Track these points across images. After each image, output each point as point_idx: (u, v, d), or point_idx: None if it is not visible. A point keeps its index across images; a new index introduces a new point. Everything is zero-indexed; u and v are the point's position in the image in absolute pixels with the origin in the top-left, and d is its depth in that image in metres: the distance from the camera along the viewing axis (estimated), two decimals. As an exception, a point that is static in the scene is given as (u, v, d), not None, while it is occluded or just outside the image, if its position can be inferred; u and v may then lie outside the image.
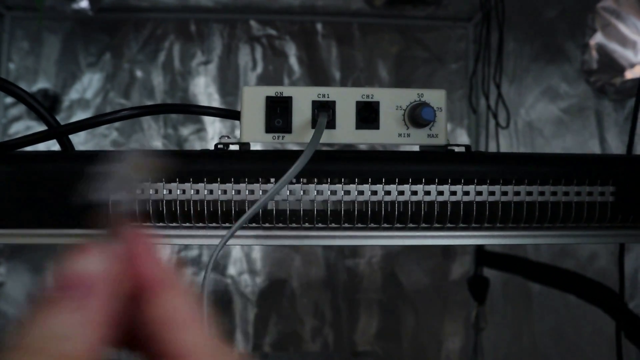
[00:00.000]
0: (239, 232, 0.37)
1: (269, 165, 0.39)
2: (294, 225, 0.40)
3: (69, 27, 1.51)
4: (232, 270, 1.47)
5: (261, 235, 0.40)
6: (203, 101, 1.53)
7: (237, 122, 1.58)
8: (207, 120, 1.51)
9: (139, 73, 1.51)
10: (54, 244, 1.36)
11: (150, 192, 0.40)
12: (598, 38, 1.06)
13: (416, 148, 0.46)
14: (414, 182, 0.41)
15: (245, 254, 1.46)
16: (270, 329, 1.45)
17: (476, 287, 1.22)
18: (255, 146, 0.46)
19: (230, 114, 0.44)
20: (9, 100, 1.47)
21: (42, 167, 0.38)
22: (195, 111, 0.45)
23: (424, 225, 0.42)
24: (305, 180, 0.40)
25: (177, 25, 1.53)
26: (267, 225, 0.41)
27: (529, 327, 1.24)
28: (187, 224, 0.41)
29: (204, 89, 1.54)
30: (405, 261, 1.51)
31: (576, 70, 1.13)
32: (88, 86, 1.50)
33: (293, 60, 1.55)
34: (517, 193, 0.41)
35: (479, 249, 1.53)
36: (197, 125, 1.51)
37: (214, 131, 1.51)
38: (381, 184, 0.41)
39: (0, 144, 0.37)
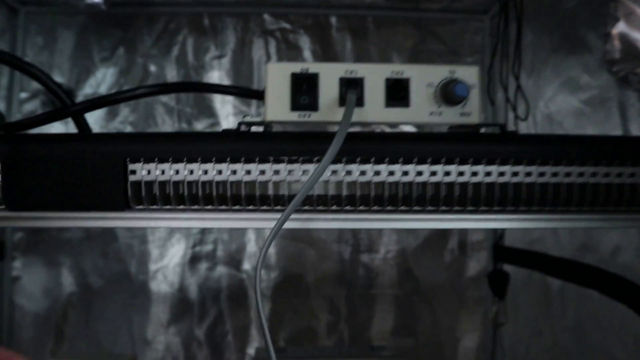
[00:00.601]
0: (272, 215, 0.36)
1: (303, 145, 0.38)
2: (334, 207, 0.39)
3: (82, 22, 1.51)
4: (247, 265, 1.46)
5: (305, 218, 0.39)
6: (216, 95, 1.52)
7: (252, 113, 1.57)
8: (222, 114, 1.50)
9: (152, 67, 1.51)
10: (70, 229, 1.34)
11: (171, 173, 0.38)
12: (621, 27, 1.04)
13: (446, 128, 0.44)
14: (447, 162, 0.39)
15: (260, 249, 1.45)
16: (285, 324, 1.44)
17: (496, 282, 1.20)
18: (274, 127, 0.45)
19: (252, 93, 0.42)
20: (23, 95, 1.47)
21: (57, 149, 0.37)
22: (215, 90, 0.44)
23: (457, 207, 0.40)
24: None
25: (191, 19, 1.53)
26: (306, 208, 0.40)
27: (549, 324, 1.22)
28: (210, 207, 0.39)
29: (218, 83, 1.52)
30: (421, 257, 1.50)
31: (598, 60, 1.10)
32: (102, 81, 1.50)
33: (307, 54, 1.54)
34: (554, 174, 0.39)
35: (497, 244, 1.51)
36: (211, 120, 1.50)
37: (227, 125, 1.50)
38: (413, 163, 0.39)
39: (12, 124, 0.36)
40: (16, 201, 0.38)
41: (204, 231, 1.46)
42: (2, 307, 1.40)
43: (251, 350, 1.43)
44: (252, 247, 1.46)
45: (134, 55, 1.50)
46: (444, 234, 1.50)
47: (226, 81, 1.52)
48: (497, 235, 1.39)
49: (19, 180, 0.37)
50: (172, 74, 1.51)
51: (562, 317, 1.18)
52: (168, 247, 1.45)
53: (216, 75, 1.52)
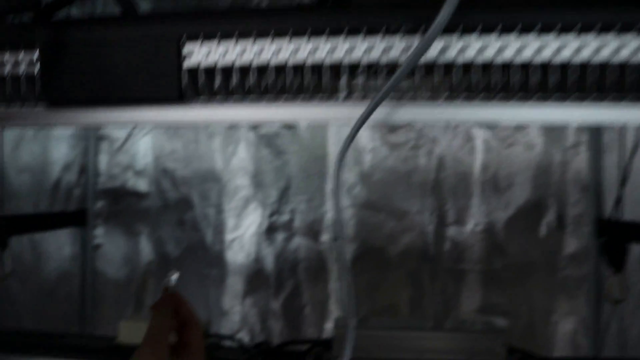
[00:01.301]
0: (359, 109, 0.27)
1: (403, 13, 0.28)
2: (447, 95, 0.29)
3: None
4: (325, 236, 1.39)
5: (395, 105, 0.30)
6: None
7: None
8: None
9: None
10: (147, 196, 1.31)
11: (236, 54, 0.31)
12: None
13: None
14: (602, 31, 0.28)
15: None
16: (365, 299, 1.37)
17: (613, 252, 1.05)
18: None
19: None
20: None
21: (98, 31, 0.30)
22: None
23: (612, 95, 0.29)
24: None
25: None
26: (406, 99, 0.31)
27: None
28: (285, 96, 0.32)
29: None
30: (513, 230, 1.37)
31: None
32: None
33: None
34: None
35: (599, 219, 1.35)
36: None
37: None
38: (553, 33, 0.29)
39: (49, 4, 0.30)
40: (57, 96, 0.32)
41: (280, 200, 1.41)
42: (86, 273, 1.43)
43: (329, 325, 1.36)
44: (329, 217, 1.39)
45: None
46: (539, 205, 1.35)
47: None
48: (613, 206, 1.21)
49: (59, 70, 0.32)
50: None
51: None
52: (244, 217, 1.42)
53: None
